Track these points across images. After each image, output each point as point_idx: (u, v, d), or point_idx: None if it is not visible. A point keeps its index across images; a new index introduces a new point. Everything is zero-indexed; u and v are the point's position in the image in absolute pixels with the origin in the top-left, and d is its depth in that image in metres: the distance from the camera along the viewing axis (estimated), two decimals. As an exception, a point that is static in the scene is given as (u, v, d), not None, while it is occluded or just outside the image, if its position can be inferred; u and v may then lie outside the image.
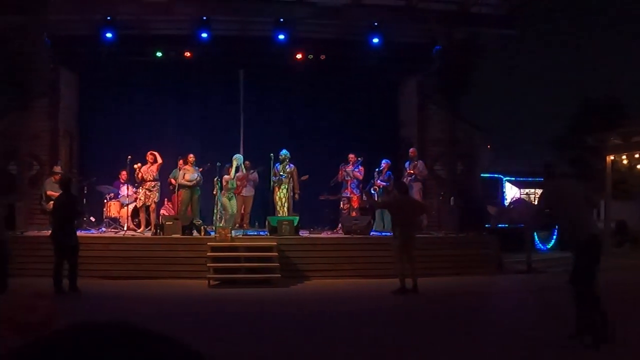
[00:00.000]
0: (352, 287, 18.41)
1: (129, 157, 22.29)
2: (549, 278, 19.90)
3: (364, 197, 23.50)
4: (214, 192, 22.62)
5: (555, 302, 10.86)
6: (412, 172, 23.44)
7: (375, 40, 24.13)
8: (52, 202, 21.11)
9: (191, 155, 22.87)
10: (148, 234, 21.68)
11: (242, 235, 21.43)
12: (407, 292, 16.71)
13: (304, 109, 26.87)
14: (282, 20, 23.37)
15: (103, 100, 26.20)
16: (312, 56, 25.29)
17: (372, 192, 23.87)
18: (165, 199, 23.88)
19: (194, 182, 22.51)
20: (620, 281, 17.93)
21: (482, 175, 27.53)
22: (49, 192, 21.81)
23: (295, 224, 21.32)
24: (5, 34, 22.27)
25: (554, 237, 28.27)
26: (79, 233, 17.97)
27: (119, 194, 23.38)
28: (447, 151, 25.26)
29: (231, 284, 18.53)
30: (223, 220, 22.03)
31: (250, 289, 17.93)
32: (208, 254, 19.09)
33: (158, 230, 20.93)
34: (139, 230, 22.45)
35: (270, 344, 11.06)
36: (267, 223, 21.88)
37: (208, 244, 19.53)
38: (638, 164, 31.22)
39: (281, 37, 23.56)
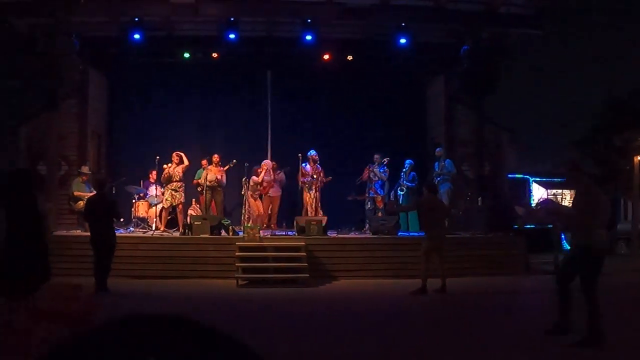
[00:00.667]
0: (380, 287, 18.38)
1: (158, 157, 22.42)
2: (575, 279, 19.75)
3: (391, 198, 23.59)
4: (242, 193, 22.69)
5: (580, 304, 10.79)
6: (442, 173, 23.44)
7: (403, 40, 24.06)
8: (80, 202, 21.31)
9: (216, 156, 23.04)
10: (176, 234, 21.74)
11: (271, 235, 21.49)
12: (427, 292, 16.69)
13: (331, 109, 26.89)
14: (309, 20, 23.34)
15: (131, 101, 26.42)
16: (338, 57, 25.30)
17: (399, 192, 23.91)
18: (193, 200, 23.96)
19: (213, 182, 22.60)
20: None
21: (509, 175, 27.45)
22: (76, 193, 21.97)
23: (324, 223, 21.34)
24: (34, 35, 22.41)
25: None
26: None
27: (147, 194, 23.51)
28: (474, 151, 25.20)
29: (259, 283, 18.58)
30: (251, 220, 22.11)
31: (278, 288, 17.95)
32: (236, 253, 19.14)
33: (186, 230, 21.01)
34: (169, 231, 22.48)
35: (298, 343, 11.07)
36: (295, 223, 21.92)
37: (236, 243, 19.58)
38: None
39: (308, 37, 23.52)
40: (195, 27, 24.71)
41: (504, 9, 23.90)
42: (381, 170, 23.42)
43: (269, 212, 23.56)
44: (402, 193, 24.07)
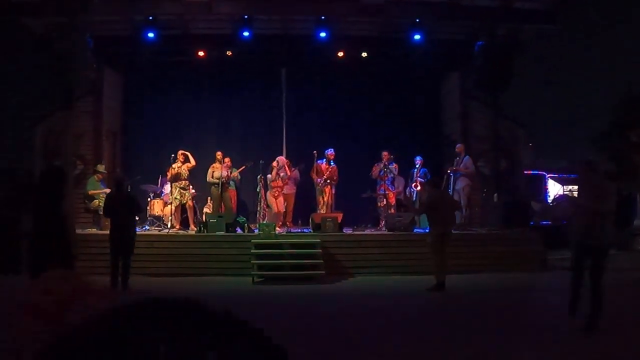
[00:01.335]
0: (397, 283, 18.32)
1: (173, 155, 22.46)
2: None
3: (407, 195, 23.59)
4: (257, 190, 22.69)
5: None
6: (458, 168, 23.36)
7: (417, 37, 24.03)
8: (95, 200, 21.37)
9: (219, 153, 23.02)
10: (190, 232, 21.77)
11: (286, 232, 21.49)
12: (444, 288, 16.56)
13: (346, 106, 26.90)
14: (323, 18, 23.33)
15: (146, 100, 26.48)
16: (352, 54, 25.28)
17: (413, 189, 23.88)
18: (208, 198, 23.96)
19: (222, 179, 22.59)
20: None
21: (524, 172, 27.38)
22: (91, 192, 22.03)
23: (339, 220, 21.33)
24: (49, 34, 22.45)
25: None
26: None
27: (162, 192, 23.55)
28: (490, 147, 25.12)
29: (275, 280, 18.56)
30: (267, 217, 22.12)
31: (295, 285, 17.91)
32: (252, 251, 19.16)
33: (202, 228, 21.01)
34: (184, 229, 22.49)
35: (313, 341, 11.05)
36: (310, 220, 21.91)
37: (252, 241, 19.59)
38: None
39: (322, 35, 23.52)
40: (209, 26, 24.65)
41: (519, 4, 23.83)
42: (391, 165, 23.38)
43: (284, 209, 23.52)
44: (414, 190, 24.04)
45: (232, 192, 23.53)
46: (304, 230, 22.37)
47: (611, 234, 11.57)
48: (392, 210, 23.26)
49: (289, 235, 21.16)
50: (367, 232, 22.85)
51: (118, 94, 26.61)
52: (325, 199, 23.09)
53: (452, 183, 23.23)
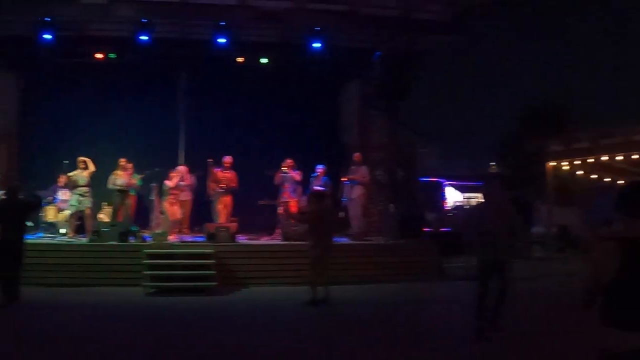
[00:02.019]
0: (289, 294, 18.26)
1: (67, 161, 22.10)
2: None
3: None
4: (152, 198, 22.40)
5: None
6: (355, 177, 23.43)
7: (317, 44, 24.04)
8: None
9: (122, 160, 22.67)
10: (84, 241, 21.40)
11: (180, 242, 21.28)
12: (319, 302, 16.50)
13: (244, 113, 26.80)
14: (223, 23, 23.19)
15: (42, 103, 25.93)
16: (252, 60, 25.22)
17: (310, 197, 23.91)
18: (103, 204, 23.63)
19: (122, 186, 22.32)
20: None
21: (423, 179, 27.66)
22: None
23: (233, 230, 21.23)
24: None
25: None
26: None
27: (55, 198, 23.14)
28: (388, 157, 25.26)
29: (168, 292, 18.35)
30: (160, 226, 21.89)
31: (186, 297, 17.75)
32: (144, 261, 18.90)
33: (95, 237, 20.67)
34: (78, 237, 22.11)
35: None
36: (205, 229, 21.73)
37: (144, 251, 19.35)
38: (579, 170, 31.67)
39: (222, 40, 23.37)
40: (107, 28, 24.25)
41: (419, 14, 24.01)
42: (294, 173, 23.35)
43: (181, 216, 23.30)
44: (310, 197, 24.03)
45: (133, 199, 23.22)
46: (198, 238, 22.18)
47: (513, 246, 12.56)
48: (293, 219, 23.23)
49: (182, 245, 20.88)
50: (263, 241, 22.79)
51: (13, 96, 26.02)
52: (223, 207, 22.96)
53: (347, 192, 23.33)
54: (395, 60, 23.64)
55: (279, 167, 23.34)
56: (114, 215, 22.45)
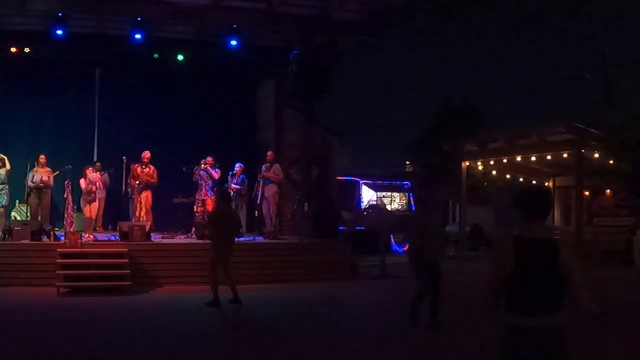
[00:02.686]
0: (203, 294, 18.25)
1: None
2: (399, 283, 20.02)
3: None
4: (65, 196, 22.11)
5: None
6: (267, 175, 23.51)
7: (234, 42, 24.07)
8: None
9: (42, 157, 22.37)
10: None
11: (93, 241, 21.05)
12: (220, 303, 16.40)
13: (161, 110, 26.67)
14: (139, 19, 23.05)
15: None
16: (169, 56, 25.16)
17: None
18: (17, 201, 23.31)
19: (40, 184, 22.01)
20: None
21: (338, 178, 27.84)
22: None
23: (147, 228, 21.10)
24: None
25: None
26: None
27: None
28: (303, 155, 25.37)
29: (82, 291, 18.18)
30: (74, 225, 21.65)
31: (100, 297, 17.62)
32: (57, 260, 18.63)
33: (6, 236, 20.32)
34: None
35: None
36: (118, 227, 21.51)
37: (57, 250, 19.08)
38: (493, 170, 32.22)
39: (138, 36, 23.23)
40: (22, 21, 23.90)
41: (337, 14, 24.14)
42: (214, 171, 23.28)
43: (95, 215, 23.04)
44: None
45: (48, 197, 22.86)
46: (112, 237, 21.98)
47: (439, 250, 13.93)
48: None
49: (96, 244, 20.57)
50: (177, 239, 22.71)
51: None
52: (141, 204, 22.74)
53: (260, 190, 23.41)
54: (312, 59, 23.70)
55: (197, 164, 23.26)
56: (30, 213, 22.06)
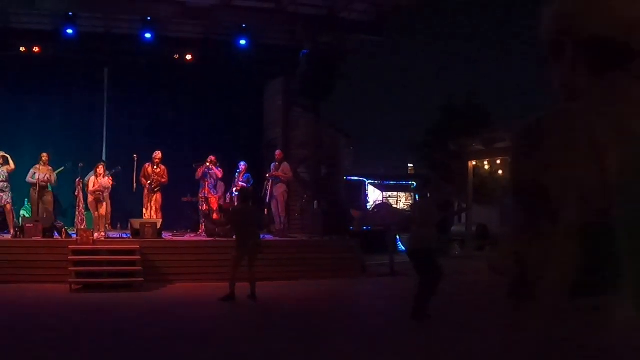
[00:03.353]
0: (214, 290, 18.35)
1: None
2: (409, 281, 20.02)
3: (227, 200, 23.67)
4: (76, 194, 22.18)
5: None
6: (276, 174, 23.61)
7: (243, 42, 24.21)
8: None
9: (45, 155, 22.43)
10: (7, 237, 21.17)
11: (105, 238, 21.17)
12: (235, 298, 16.57)
13: (169, 109, 26.74)
14: (149, 18, 23.15)
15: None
16: (177, 56, 25.25)
17: (234, 193, 23.98)
18: (26, 200, 23.36)
19: (42, 182, 22.04)
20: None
21: (345, 178, 27.91)
22: None
23: (159, 226, 21.20)
24: None
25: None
26: None
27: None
28: (311, 154, 25.45)
29: (93, 288, 18.26)
30: (85, 222, 21.73)
31: (112, 293, 17.70)
32: (69, 257, 18.72)
33: (18, 233, 20.44)
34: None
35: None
36: (129, 225, 21.63)
37: (69, 247, 19.19)
38: (499, 169, 32.28)
39: (148, 36, 23.35)
40: (32, 20, 24.01)
41: (345, 14, 24.25)
42: (216, 170, 23.37)
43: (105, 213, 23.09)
44: (237, 194, 24.15)
45: (50, 195, 22.91)
46: (124, 235, 22.10)
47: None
48: (216, 215, 23.27)
49: (108, 241, 20.75)
50: (187, 237, 22.82)
51: None
52: (152, 203, 22.79)
53: (269, 189, 23.50)
54: (321, 58, 23.79)
55: (203, 162, 23.34)
56: (34, 211, 22.11)
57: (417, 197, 14.67)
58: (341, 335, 13.05)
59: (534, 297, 2.54)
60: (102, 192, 21.72)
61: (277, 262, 20.70)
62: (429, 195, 16.50)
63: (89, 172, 22.23)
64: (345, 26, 24.49)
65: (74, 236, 20.33)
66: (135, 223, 21.20)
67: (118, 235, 21.97)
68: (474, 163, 31.54)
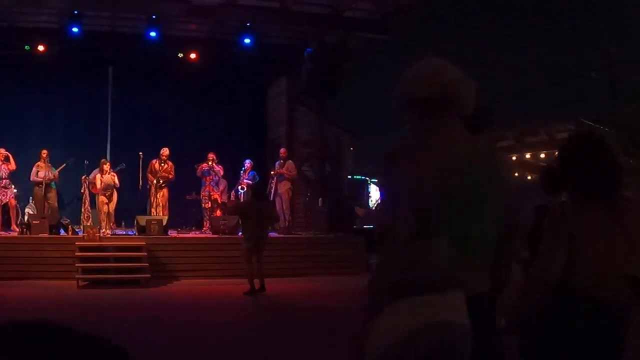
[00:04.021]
0: (219, 287, 18.48)
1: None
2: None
3: (231, 198, 23.77)
4: (82, 191, 22.26)
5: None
6: (281, 171, 23.71)
7: (247, 40, 24.26)
8: None
9: (44, 151, 22.41)
10: (14, 233, 21.24)
11: (111, 234, 21.27)
12: (256, 292, 16.98)
13: (174, 107, 26.95)
14: (154, 17, 23.21)
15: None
16: (182, 55, 25.30)
17: (240, 190, 24.08)
18: (30, 197, 23.41)
19: (44, 179, 22.08)
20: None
21: (348, 177, 27.96)
22: None
23: (164, 223, 21.29)
24: None
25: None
26: None
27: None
28: (315, 152, 25.54)
29: (101, 284, 18.37)
30: (91, 219, 21.80)
31: (120, 289, 17.79)
32: (76, 253, 18.79)
33: (24, 229, 20.52)
34: (4, 231, 21.84)
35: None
36: (135, 222, 21.73)
37: (76, 243, 19.26)
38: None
39: (153, 34, 23.41)
40: (37, 19, 24.04)
41: (350, 12, 24.35)
42: (216, 168, 23.49)
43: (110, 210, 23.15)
44: (242, 191, 24.24)
45: (54, 192, 22.96)
46: (129, 232, 22.20)
47: None
48: (218, 211, 23.37)
49: (114, 238, 20.86)
50: (192, 234, 22.91)
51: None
52: (158, 200, 22.85)
53: (273, 186, 23.59)
54: (326, 57, 23.86)
55: (203, 161, 23.46)
56: (39, 208, 22.17)
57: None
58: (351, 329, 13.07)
59: None
60: (112, 190, 21.81)
61: (282, 259, 20.78)
62: None
63: (93, 170, 22.34)
64: (350, 25, 24.60)
65: (80, 233, 20.42)
66: (141, 220, 21.27)
67: (124, 233, 22.06)
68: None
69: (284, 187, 23.59)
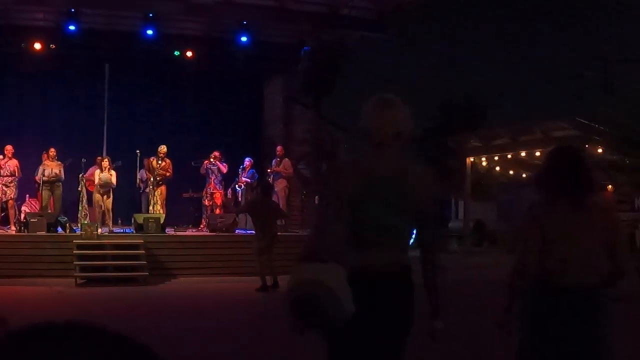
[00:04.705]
0: (214, 285, 18.56)
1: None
2: (416, 276, 20.16)
3: (228, 196, 23.80)
4: (79, 189, 22.26)
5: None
6: (278, 169, 23.76)
7: (244, 38, 24.28)
8: None
9: (52, 150, 22.42)
10: (10, 231, 21.27)
11: (109, 232, 21.31)
12: (269, 288, 17.19)
13: (170, 105, 26.97)
14: (151, 15, 23.22)
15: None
16: (179, 52, 25.31)
17: (237, 188, 24.12)
18: (27, 195, 23.40)
19: (52, 177, 22.09)
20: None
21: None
22: None
23: (162, 221, 21.32)
24: None
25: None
26: None
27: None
28: (311, 151, 25.55)
29: (98, 282, 18.42)
30: (89, 217, 21.81)
31: (118, 287, 17.86)
32: (74, 251, 18.85)
33: (22, 227, 20.52)
34: (3, 228, 21.85)
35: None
36: (133, 220, 21.75)
37: (74, 241, 19.30)
38: (496, 165, 32.46)
39: (149, 32, 23.41)
40: (33, 17, 24.09)
41: (346, 11, 24.37)
42: (221, 165, 23.49)
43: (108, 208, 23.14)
44: (239, 189, 24.28)
45: (60, 189, 22.91)
46: (126, 230, 22.23)
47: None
48: (219, 210, 23.38)
49: (112, 236, 20.92)
50: (189, 232, 22.97)
51: None
52: (156, 198, 22.83)
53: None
54: (322, 55, 23.87)
55: (205, 158, 23.46)
56: (45, 206, 22.14)
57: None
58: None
59: None
60: (110, 186, 21.82)
61: (284, 257, 20.84)
62: None
63: (90, 167, 22.36)
64: (346, 23, 24.64)
65: (78, 231, 20.45)
66: (139, 218, 21.32)
67: (122, 231, 22.10)
68: (471, 159, 31.69)
69: (281, 185, 23.64)
